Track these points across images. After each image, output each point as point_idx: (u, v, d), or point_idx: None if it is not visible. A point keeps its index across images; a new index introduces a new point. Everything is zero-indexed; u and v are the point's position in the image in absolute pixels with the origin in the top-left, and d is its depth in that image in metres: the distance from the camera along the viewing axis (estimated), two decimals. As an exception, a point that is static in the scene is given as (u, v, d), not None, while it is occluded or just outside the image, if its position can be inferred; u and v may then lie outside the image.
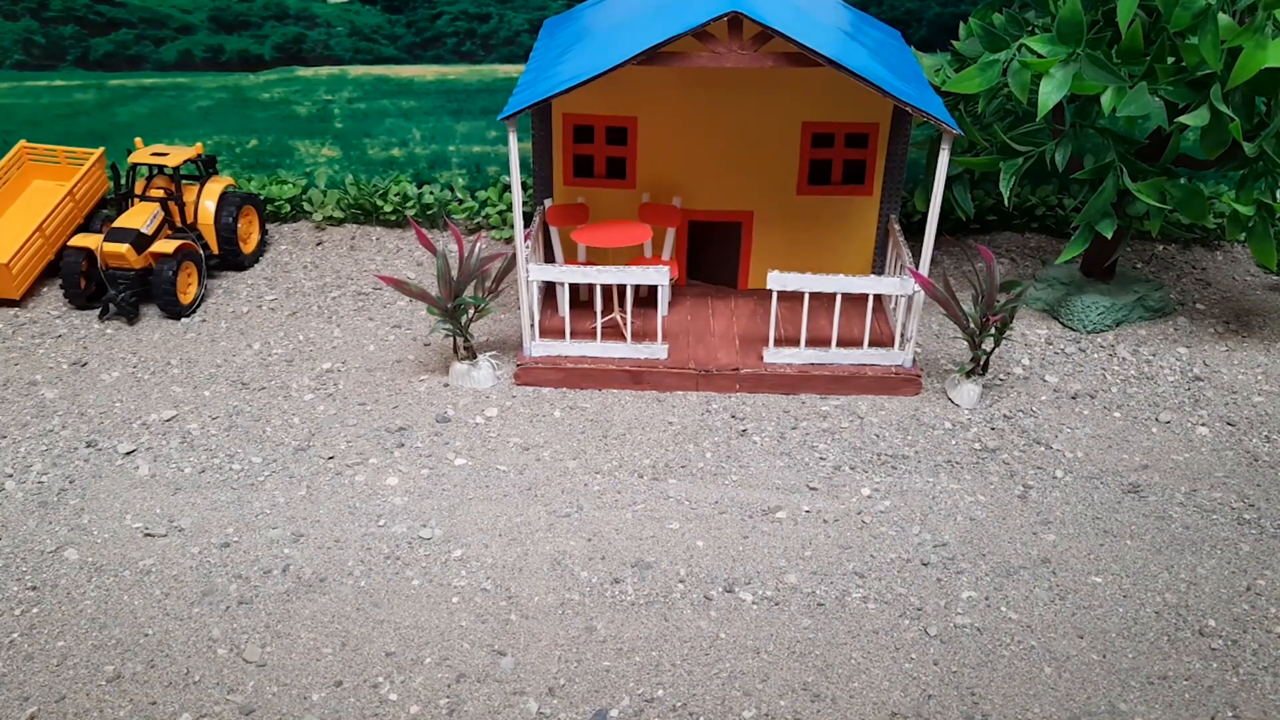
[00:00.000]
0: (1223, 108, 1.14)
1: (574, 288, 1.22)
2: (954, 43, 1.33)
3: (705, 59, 0.99)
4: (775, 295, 1.10)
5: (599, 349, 1.16)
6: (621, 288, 1.18)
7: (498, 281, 1.16)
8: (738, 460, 1.05)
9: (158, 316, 1.31)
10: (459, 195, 1.55)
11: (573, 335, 1.16)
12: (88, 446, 1.06)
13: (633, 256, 1.21)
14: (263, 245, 1.46)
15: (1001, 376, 1.19)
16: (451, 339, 1.18)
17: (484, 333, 1.26)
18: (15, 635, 0.84)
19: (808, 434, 1.08)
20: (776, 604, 0.87)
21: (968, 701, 0.78)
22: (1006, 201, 1.27)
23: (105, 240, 1.29)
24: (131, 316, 1.29)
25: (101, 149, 1.46)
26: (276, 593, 0.88)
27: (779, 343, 1.20)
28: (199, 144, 1.42)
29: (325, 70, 1.50)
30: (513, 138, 1.02)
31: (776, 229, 1.25)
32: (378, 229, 1.54)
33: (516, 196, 1.06)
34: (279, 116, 1.53)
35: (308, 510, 0.98)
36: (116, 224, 1.31)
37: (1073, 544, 0.94)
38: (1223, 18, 1.08)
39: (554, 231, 1.22)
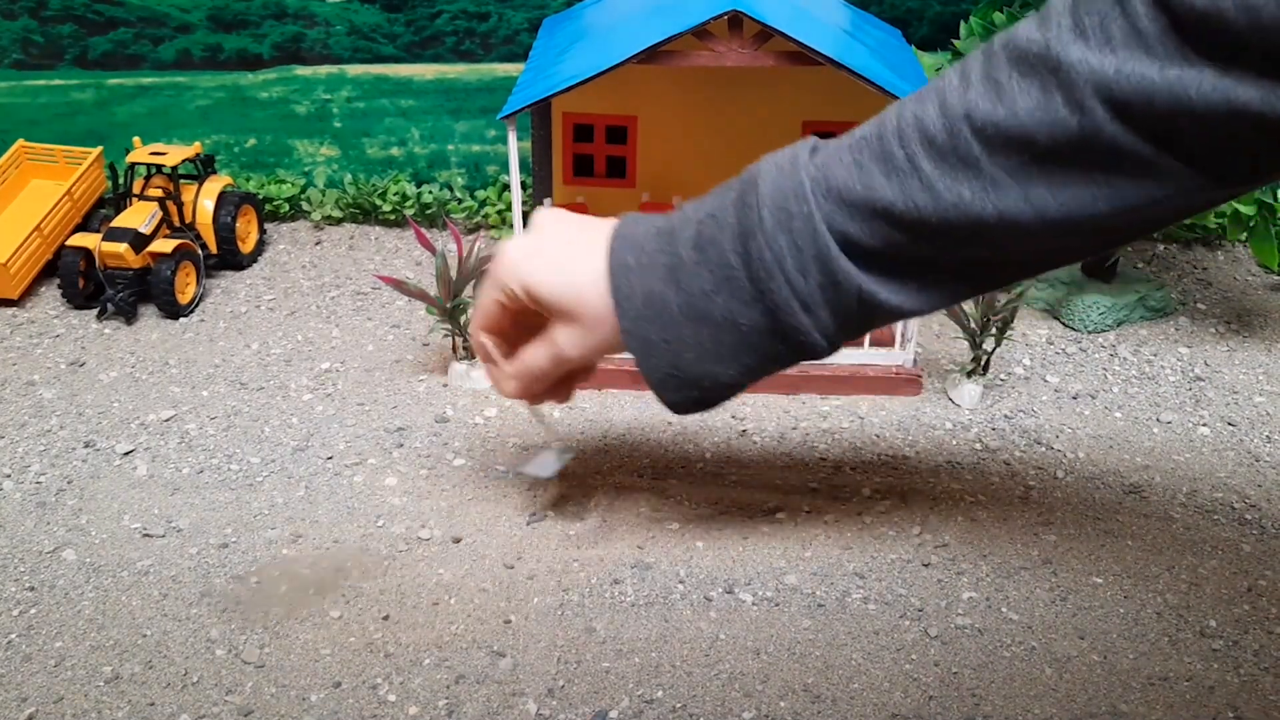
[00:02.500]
0: (1224, 107, 1.13)
1: (573, 287, 1.21)
2: (955, 42, 1.32)
3: (705, 58, 0.98)
4: (775, 295, 1.09)
5: (598, 349, 1.15)
6: (621, 287, 1.17)
7: (497, 281, 1.15)
8: (738, 460, 1.05)
9: (156, 316, 1.31)
10: (458, 194, 1.55)
11: (572, 335, 1.15)
12: (85, 447, 1.06)
13: (632, 256, 1.20)
14: (261, 245, 1.46)
15: (1002, 377, 1.18)
16: (450, 339, 1.18)
17: (483, 332, 1.26)
18: (13, 636, 0.83)
19: (808, 434, 1.08)
20: (777, 605, 0.87)
21: (969, 703, 0.78)
22: (1007, 201, 1.27)
23: (103, 240, 1.28)
24: (129, 316, 1.29)
25: (100, 148, 1.46)
26: (275, 593, 0.88)
27: (779, 342, 1.19)
28: (197, 143, 1.42)
29: (324, 69, 1.50)
30: (512, 137, 1.01)
31: (776, 228, 1.24)
32: (376, 228, 1.54)
33: (516, 196, 1.06)
34: (277, 116, 1.52)
35: (306, 510, 0.97)
36: (114, 223, 1.30)
37: (1074, 544, 0.94)
38: (1224, 17, 1.08)
39: (553, 231, 1.21)
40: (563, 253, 0.72)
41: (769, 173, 0.67)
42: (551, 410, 1.02)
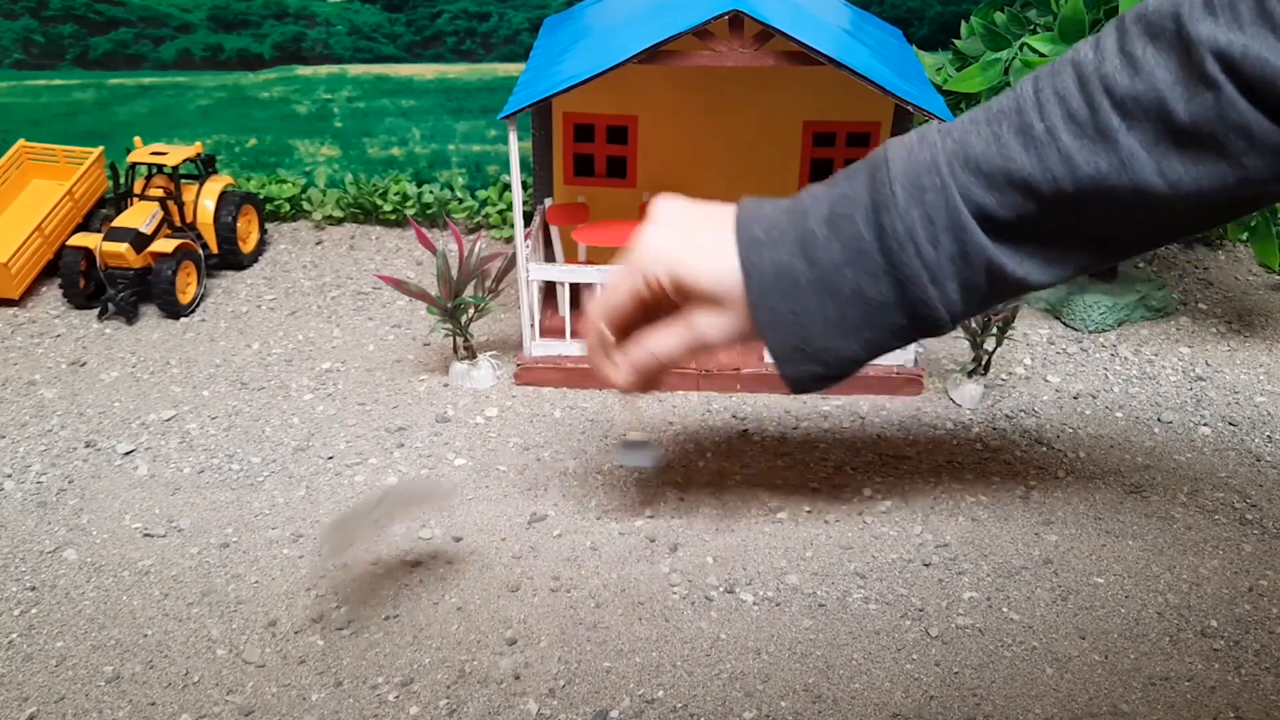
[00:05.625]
0: (1225, 107, 1.13)
1: (574, 287, 1.22)
2: (955, 41, 1.32)
3: (706, 58, 0.98)
4: (776, 295, 1.09)
5: (599, 349, 1.15)
6: (622, 287, 1.17)
7: (498, 281, 1.15)
8: (739, 460, 1.05)
9: (157, 316, 1.31)
10: (459, 194, 1.55)
11: (573, 335, 1.16)
12: (86, 446, 1.06)
13: (633, 256, 1.20)
14: (262, 245, 1.46)
15: (1003, 376, 1.18)
16: (451, 339, 1.18)
17: (484, 332, 1.26)
18: (14, 635, 0.83)
19: (809, 434, 1.08)
20: (777, 605, 0.87)
21: (969, 703, 0.78)
22: (1008, 201, 1.27)
23: (104, 240, 1.28)
24: (130, 316, 1.29)
25: (101, 148, 1.46)
26: (276, 593, 0.88)
27: (780, 342, 1.19)
28: (198, 143, 1.42)
29: (325, 69, 1.50)
30: (513, 137, 1.01)
31: (777, 228, 1.24)
32: (377, 228, 1.54)
33: (516, 196, 1.06)
34: (278, 115, 1.53)
35: (307, 510, 0.97)
36: (115, 223, 1.31)
37: (1074, 544, 0.94)
38: (1225, 16, 1.08)
39: (554, 231, 1.22)
40: (700, 237, 0.73)
41: (898, 150, 0.69)
42: (647, 403, 0.97)
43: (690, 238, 0.74)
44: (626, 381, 0.78)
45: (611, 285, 0.76)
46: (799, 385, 0.74)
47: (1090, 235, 0.68)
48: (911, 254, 0.66)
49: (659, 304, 0.76)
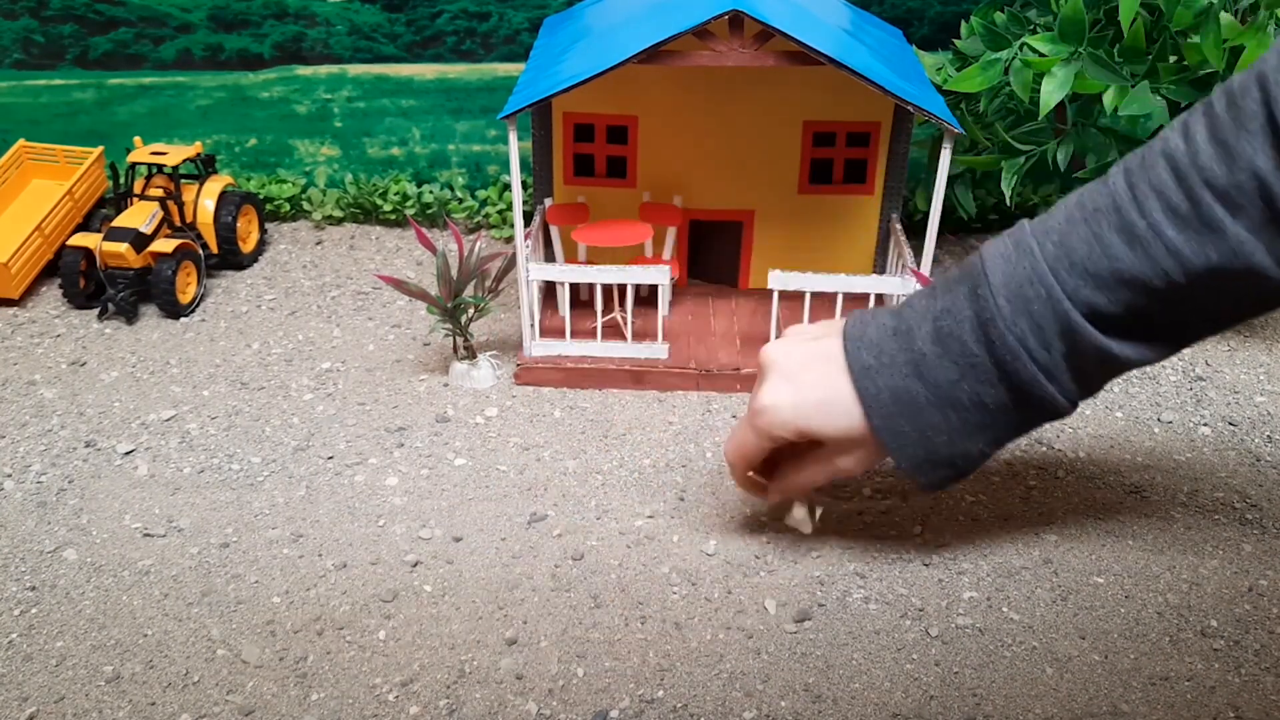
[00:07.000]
0: (1225, 107, 1.13)
1: (574, 287, 1.22)
2: (956, 41, 1.32)
3: (706, 58, 0.98)
4: (776, 295, 1.10)
5: (600, 349, 1.15)
6: (622, 287, 1.18)
7: (498, 281, 1.15)
8: (738, 460, 1.04)
9: (157, 316, 1.31)
10: (459, 194, 1.55)
11: (573, 335, 1.16)
12: (86, 446, 1.06)
13: (633, 256, 1.21)
14: (262, 244, 1.46)
15: (1003, 376, 1.18)
16: (451, 339, 1.18)
17: (484, 332, 1.26)
18: (14, 635, 0.83)
19: (809, 434, 1.07)
20: (778, 604, 0.87)
21: (969, 703, 0.78)
22: (1009, 201, 1.27)
23: (104, 239, 1.28)
24: (130, 316, 1.29)
25: (101, 148, 1.46)
26: (276, 593, 0.88)
27: (780, 342, 1.19)
28: (198, 143, 1.42)
29: (325, 69, 1.50)
30: (513, 137, 1.01)
31: (777, 228, 1.25)
32: (377, 228, 1.54)
33: (516, 196, 1.06)
34: (278, 115, 1.53)
35: (307, 510, 0.97)
36: (115, 223, 1.31)
37: (1074, 544, 0.94)
38: (1225, 16, 1.08)
39: (554, 231, 1.22)
40: (816, 390, 0.77)
41: (995, 261, 0.71)
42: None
43: (807, 391, 0.78)
44: (778, 501, 0.90)
45: (742, 442, 0.83)
46: (934, 486, 0.78)
47: (1202, 315, 0.69)
48: (1026, 361, 0.70)
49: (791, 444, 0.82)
